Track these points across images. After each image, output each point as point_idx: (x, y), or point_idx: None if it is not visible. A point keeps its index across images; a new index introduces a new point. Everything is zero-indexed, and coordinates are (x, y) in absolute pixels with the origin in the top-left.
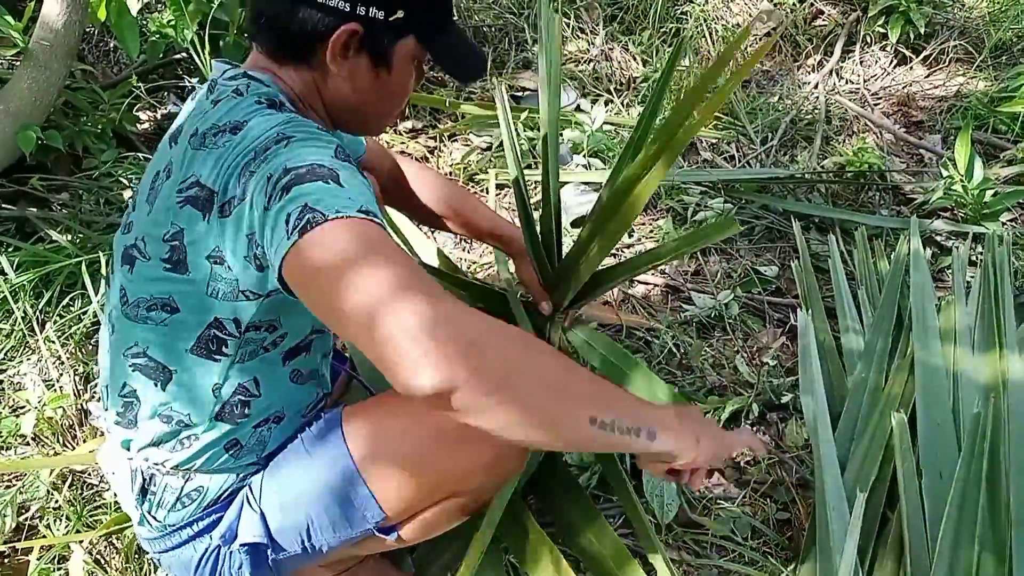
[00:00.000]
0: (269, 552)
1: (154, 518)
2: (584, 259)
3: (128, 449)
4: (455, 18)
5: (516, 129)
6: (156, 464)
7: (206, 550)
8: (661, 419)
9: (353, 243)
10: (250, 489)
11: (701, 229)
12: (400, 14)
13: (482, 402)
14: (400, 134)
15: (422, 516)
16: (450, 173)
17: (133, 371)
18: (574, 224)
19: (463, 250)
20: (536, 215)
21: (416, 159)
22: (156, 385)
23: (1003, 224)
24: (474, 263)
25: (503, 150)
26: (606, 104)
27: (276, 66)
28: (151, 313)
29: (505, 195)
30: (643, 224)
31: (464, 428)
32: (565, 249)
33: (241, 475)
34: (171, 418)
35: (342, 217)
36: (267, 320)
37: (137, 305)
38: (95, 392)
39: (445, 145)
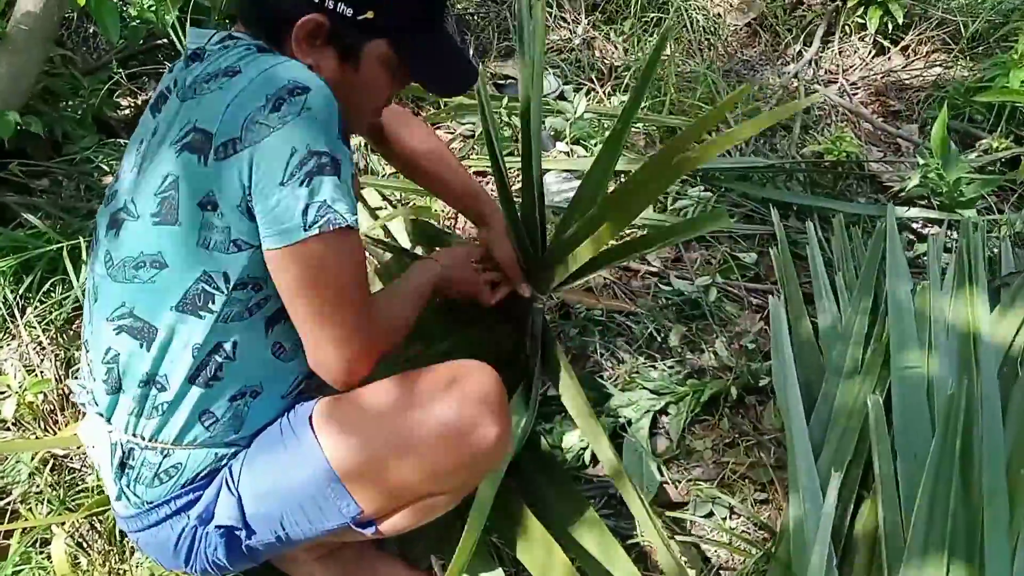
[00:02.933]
0: (243, 537)
1: (133, 493)
2: (578, 248)
3: (110, 421)
4: (442, 24)
5: (499, 116)
6: (135, 436)
7: (183, 529)
8: (424, 287)
9: (346, 255)
10: (230, 471)
11: (692, 219)
12: (369, 15)
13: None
14: None
15: (402, 512)
16: None
17: (118, 333)
18: (557, 211)
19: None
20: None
21: None
22: (142, 346)
23: (978, 212)
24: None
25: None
26: (588, 92)
27: (256, 36)
28: (139, 271)
29: (488, 182)
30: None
31: (441, 429)
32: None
33: (220, 454)
34: (148, 380)
35: (350, 227)
36: (254, 278)
37: (123, 265)
38: (77, 375)
39: None
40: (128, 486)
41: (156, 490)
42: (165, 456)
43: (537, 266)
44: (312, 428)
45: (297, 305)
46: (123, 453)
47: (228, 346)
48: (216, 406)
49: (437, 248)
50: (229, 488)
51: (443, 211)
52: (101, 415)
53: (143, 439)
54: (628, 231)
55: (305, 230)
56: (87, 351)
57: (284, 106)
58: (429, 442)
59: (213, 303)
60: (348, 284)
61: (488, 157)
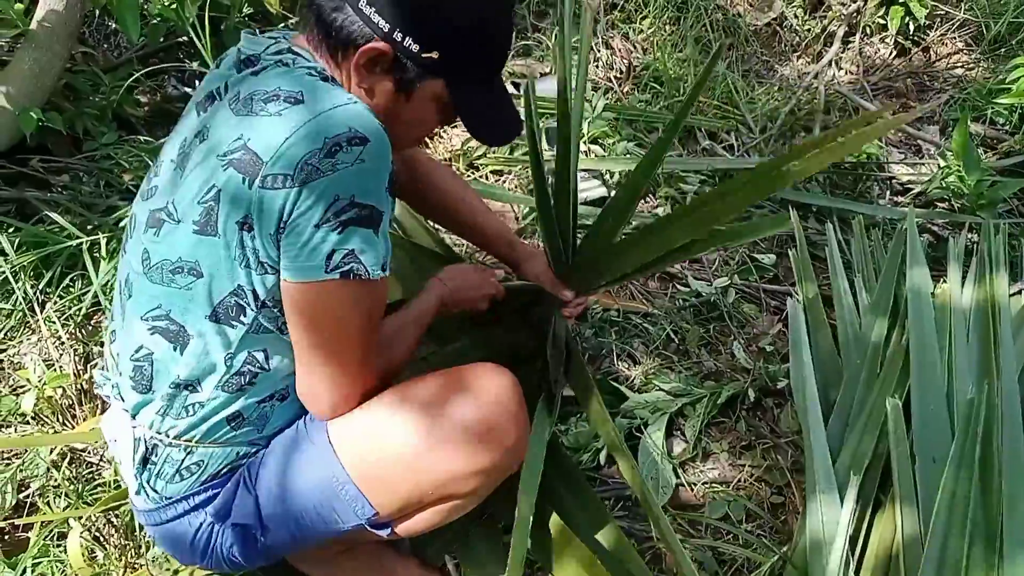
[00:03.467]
0: (259, 535)
1: (152, 488)
2: (628, 255)
3: (136, 416)
4: (499, 75)
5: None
6: (159, 433)
7: (200, 525)
8: (428, 311)
9: (361, 304)
10: (248, 469)
11: (754, 223)
12: (435, 54)
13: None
14: None
15: (419, 515)
16: (450, 159)
17: (152, 333)
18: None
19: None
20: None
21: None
22: (175, 349)
23: (999, 214)
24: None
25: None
26: (606, 92)
27: (316, 53)
28: (176, 276)
29: (504, 181)
30: (641, 212)
31: (457, 434)
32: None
33: (241, 452)
34: (180, 383)
35: (372, 281)
36: (279, 300)
37: (160, 268)
38: (100, 365)
39: (445, 131)
40: (149, 481)
41: (176, 486)
42: (188, 453)
43: (569, 270)
44: (328, 430)
45: (300, 335)
46: (147, 448)
47: (260, 356)
48: (245, 408)
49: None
50: (247, 487)
51: None
52: (126, 411)
53: (168, 436)
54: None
55: (326, 272)
56: (112, 342)
57: (339, 154)
58: (445, 446)
59: (244, 316)
60: (355, 332)
61: (507, 156)
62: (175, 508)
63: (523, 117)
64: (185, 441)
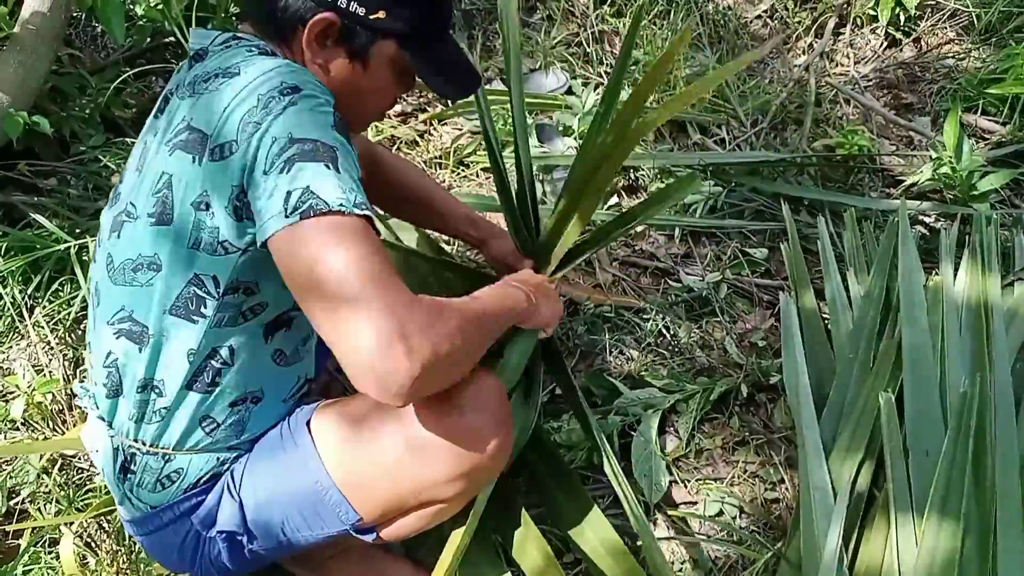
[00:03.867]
0: (245, 541)
1: (136, 498)
2: (566, 228)
3: (111, 426)
4: (448, 30)
5: (507, 110)
6: (136, 441)
7: (187, 534)
8: (521, 309)
9: (342, 243)
10: (231, 476)
11: (666, 187)
12: (381, 15)
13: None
14: (390, 118)
15: (402, 519)
16: (440, 157)
17: (118, 337)
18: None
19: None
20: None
21: (406, 143)
22: (140, 350)
23: (991, 205)
24: (462, 246)
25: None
26: (596, 87)
27: (265, 39)
28: (136, 274)
29: (492, 178)
30: (631, 205)
31: (440, 438)
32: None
33: (221, 459)
34: (145, 385)
35: (341, 212)
36: (244, 281)
37: (123, 268)
38: (82, 377)
39: (435, 129)
40: (131, 491)
41: (159, 495)
42: (167, 461)
43: (535, 252)
44: (311, 434)
45: (308, 305)
46: (125, 458)
47: (224, 352)
48: (216, 411)
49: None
50: (231, 493)
51: None
52: (103, 419)
53: (144, 444)
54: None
55: (286, 216)
56: (90, 353)
57: (271, 103)
58: (427, 450)
59: (205, 307)
60: (354, 268)
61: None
62: (160, 517)
63: (482, 112)
64: (162, 449)
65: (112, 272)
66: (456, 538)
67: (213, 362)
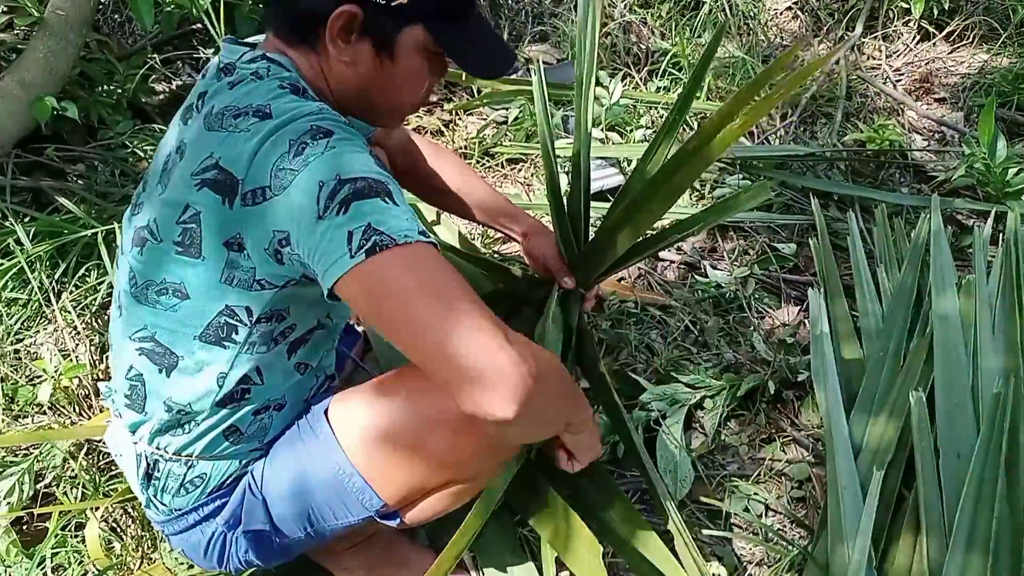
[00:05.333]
0: (272, 537)
1: (160, 502)
2: (618, 237)
3: (134, 433)
4: (474, 8)
5: (532, 103)
6: (159, 449)
7: (212, 534)
8: (588, 422)
9: (420, 271)
10: (252, 475)
11: (732, 198)
12: (403, 0)
13: (519, 433)
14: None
15: (424, 502)
16: (465, 147)
17: (140, 355)
18: (592, 199)
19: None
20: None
21: (432, 133)
22: (160, 372)
23: None
24: (489, 239)
25: (518, 124)
26: (624, 78)
27: (289, 48)
28: (161, 298)
29: (519, 169)
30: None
31: (458, 418)
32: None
33: (243, 461)
34: (172, 406)
35: (409, 243)
36: (278, 310)
37: (146, 288)
38: (108, 368)
39: (461, 119)
40: (155, 495)
41: (182, 499)
42: (190, 468)
43: (580, 259)
44: (329, 423)
45: (403, 339)
46: (148, 464)
47: (253, 374)
48: (241, 422)
49: None
50: (253, 492)
51: None
52: (125, 427)
53: (167, 452)
54: (664, 221)
55: (351, 257)
56: (113, 355)
57: (307, 149)
58: (446, 430)
59: (236, 334)
60: (436, 298)
61: (523, 144)
62: (185, 520)
63: (537, 103)
64: (185, 456)
65: (135, 289)
66: (467, 526)
67: (243, 385)
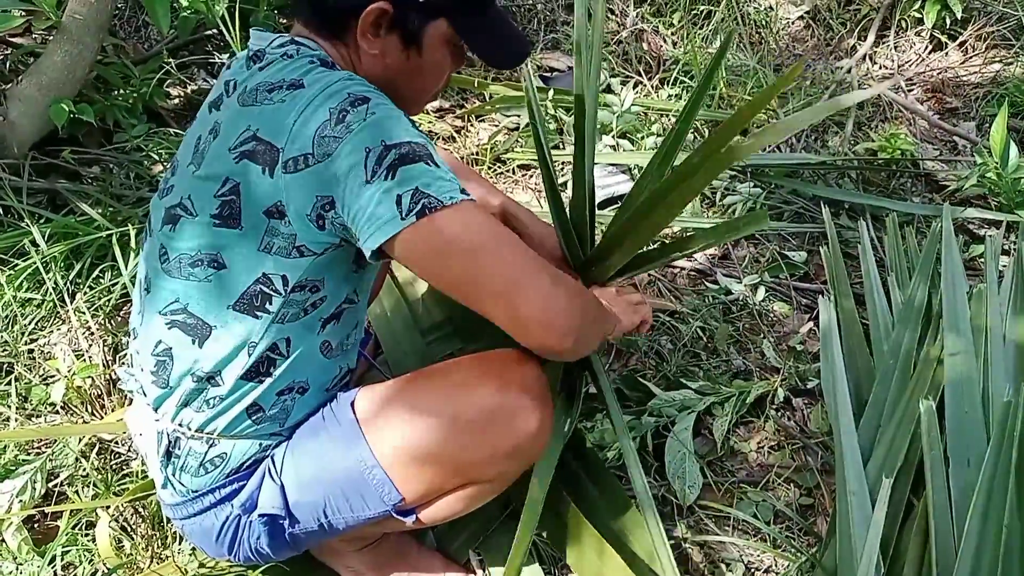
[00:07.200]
0: (286, 525)
1: (179, 482)
2: (621, 245)
3: (157, 410)
4: (494, 2)
5: (544, 109)
6: (181, 426)
7: (227, 518)
8: (618, 322)
9: (472, 227)
10: (272, 460)
11: (732, 221)
12: None
13: (572, 357)
14: (428, 113)
15: (442, 500)
16: (477, 153)
17: (171, 328)
18: (601, 205)
19: None
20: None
21: (443, 139)
22: (194, 342)
23: None
24: None
25: (529, 130)
26: (635, 86)
27: (319, 38)
28: (195, 269)
29: (531, 175)
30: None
31: (483, 416)
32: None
33: (264, 444)
34: (201, 376)
35: (455, 203)
36: (313, 280)
37: (179, 261)
38: (123, 362)
39: (472, 125)
40: (174, 474)
41: (201, 479)
42: (211, 446)
43: (584, 265)
44: (355, 415)
45: (465, 292)
46: (169, 442)
47: (282, 345)
48: (265, 400)
49: None
50: (272, 477)
51: None
52: (148, 405)
53: (189, 429)
54: (669, 226)
55: (403, 219)
56: (134, 338)
57: (348, 116)
58: (470, 429)
59: (270, 304)
60: (494, 247)
61: (534, 150)
62: (201, 501)
63: (533, 112)
64: (207, 434)
65: (166, 263)
66: (520, 540)
67: (270, 353)
